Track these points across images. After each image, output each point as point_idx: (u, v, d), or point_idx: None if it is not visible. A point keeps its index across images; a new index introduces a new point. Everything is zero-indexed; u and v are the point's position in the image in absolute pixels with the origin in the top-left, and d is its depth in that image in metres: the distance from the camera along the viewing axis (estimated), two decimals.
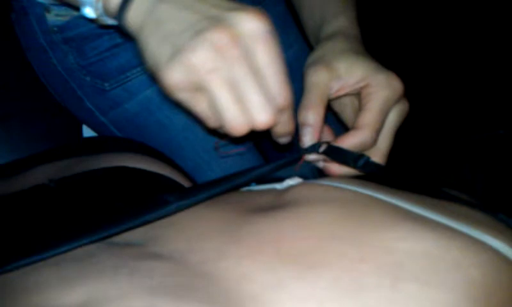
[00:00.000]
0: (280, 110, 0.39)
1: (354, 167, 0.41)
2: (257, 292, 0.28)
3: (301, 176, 0.42)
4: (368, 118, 0.44)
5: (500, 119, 1.22)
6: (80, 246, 0.31)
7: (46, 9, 0.59)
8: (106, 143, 0.58)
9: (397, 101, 0.46)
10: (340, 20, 0.54)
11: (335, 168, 0.45)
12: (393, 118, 0.46)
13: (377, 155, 0.46)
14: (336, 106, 0.51)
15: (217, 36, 0.35)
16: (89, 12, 0.42)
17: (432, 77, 1.35)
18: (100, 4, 0.40)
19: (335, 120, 0.53)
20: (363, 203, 0.34)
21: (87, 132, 0.77)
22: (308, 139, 0.44)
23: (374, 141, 0.45)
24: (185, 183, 0.52)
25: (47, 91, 0.69)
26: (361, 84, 0.46)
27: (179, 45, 0.36)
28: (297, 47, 0.75)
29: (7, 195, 0.46)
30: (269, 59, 0.37)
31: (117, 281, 0.28)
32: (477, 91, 1.30)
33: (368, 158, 0.41)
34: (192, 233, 0.34)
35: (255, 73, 0.36)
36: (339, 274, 0.28)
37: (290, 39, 0.75)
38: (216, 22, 0.36)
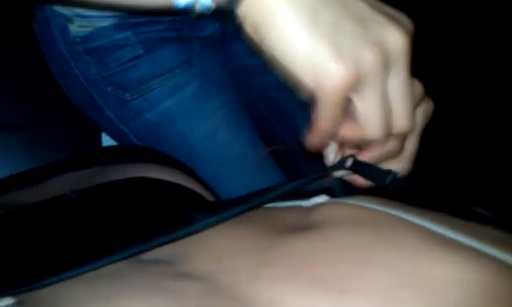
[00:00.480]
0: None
1: (382, 183, 0.40)
2: None
3: (327, 190, 0.41)
4: None
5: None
6: (112, 263, 0.31)
7: (69, 20, 0.60)
8: (127, 153, 0.58)
9: (420, 102, 0.44)
10: None
11: (362, 180, 0.44)
12: (418, 120, 0.44)
13: (403, 159, 0.45)
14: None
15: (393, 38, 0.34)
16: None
17: (450, 85, 1.34)
18: None
19: None
20: (394, 225, 0.33)
21: (106, 139, 0.77)
22: (332, 156, 0.43)
23: (402, 148, 0.43)
24: (206, 195, 0.52)
25: (67, 99, 0.70)
26: None
27: (348, 41, 0.33)
28: None
29: (29, 205, 0.46)
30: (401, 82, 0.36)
31: (152, 301, 0.27)
32: (493, 101, 1.28)
33: (395, 174, 0.40)
34: (221, 253, 0.33)
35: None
36: (376, 301, 0.27)
37: None
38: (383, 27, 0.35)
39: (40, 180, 0.54)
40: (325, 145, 0.43)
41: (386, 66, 0.35)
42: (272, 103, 0.77)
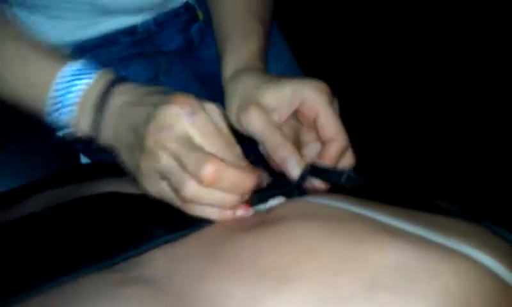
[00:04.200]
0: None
1: (339, 183, 0.42)
2: None
3: (284, 193, 0.43)
4: (332, 126, 0.45)
5: (502, 125, 1.22)
6: (68, 281, 0.33)
7: None
8: (102, 169, 0.59)
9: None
10: (239, 57, 0.54)
11: (318, 183, 0.46)
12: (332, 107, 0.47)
13: (348, 154, 0.48)
14: None
15: (155, 135, 0.38)
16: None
17: (434, 83, 1.35)
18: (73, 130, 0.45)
19: None
20: (342, 217, 0.35)
21: (84, 157, 0.78)
22: (296, 170, 0.45)
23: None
24: None
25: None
26: (296, 103, 0.46)
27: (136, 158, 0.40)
28: (282, 66, 0.77)
29: (2, 224, 0.47)
30: (203, 135, 0.39)
31: None
32: (479, 96, 1.29)
33: (350, 173, 0.42)
34: (174, 255, 0.35)
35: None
36: (314, 287, 0.29)
37: (275, 59, 0.74)
38: (150, 121, 0.38)
39: (16, 201, 0.54)
40: (285, 161, 0.45)
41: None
42: None
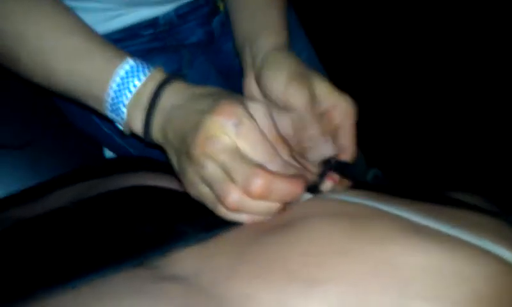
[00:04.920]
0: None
1: (364, 180, 0.41)
2: None
3: (308, 189, 0.42)
4: (350, 137, 0.45)
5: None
6: (103, 276, 0.33)
7: None
8: (125, 164, 0.59)
9: None
10: (276, 38, 0.53)
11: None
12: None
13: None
14: None
15: (198, 149, 0.38)
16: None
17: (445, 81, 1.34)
18: (126, 128, 0.47)
19: None
20: (369, 216, 0.34)
21: (109, 154, 0.79)
22: (323, 150, 0.44)
23: None
24: None
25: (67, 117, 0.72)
26: (332, 106, 0.45)
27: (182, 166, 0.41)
28: (305, 56, 0.76)
29: (28, 219, 0.47)
30: (250, 146, 0.38)
31: (128, 304, 0.29)
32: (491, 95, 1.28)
33: (377, 171, 0.41)
34: (203, 254, 0.35)
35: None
36: (345, 290, 0.28)
37: (298, 48, 0.75)
38: (197, 131, 0.39)
39: (42, 195, 0.55)
40: (312, 139, 0.45)
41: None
42: None
